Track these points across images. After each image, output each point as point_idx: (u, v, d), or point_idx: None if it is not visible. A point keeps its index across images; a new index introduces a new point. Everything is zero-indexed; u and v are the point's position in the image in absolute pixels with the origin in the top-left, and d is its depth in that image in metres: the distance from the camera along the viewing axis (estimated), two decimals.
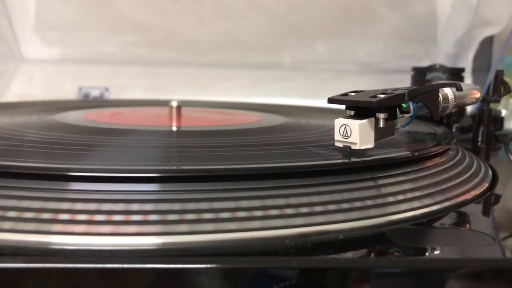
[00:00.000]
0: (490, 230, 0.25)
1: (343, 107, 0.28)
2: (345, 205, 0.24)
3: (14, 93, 0.70)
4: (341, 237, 0.22)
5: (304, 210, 0.23)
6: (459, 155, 0.34)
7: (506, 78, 0.46)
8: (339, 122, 0.27)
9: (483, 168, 0.33)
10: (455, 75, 0.53)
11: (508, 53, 0.58)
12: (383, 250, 0.22)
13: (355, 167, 0.26)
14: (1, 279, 0.19)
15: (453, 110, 0.33)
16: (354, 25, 0.72)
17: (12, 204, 0.22)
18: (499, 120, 0.50)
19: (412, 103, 0.29)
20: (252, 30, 0.71)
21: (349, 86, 0.32)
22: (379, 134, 0.28)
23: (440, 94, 0.31)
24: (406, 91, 0.28)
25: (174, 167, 0.26)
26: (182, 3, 0.70)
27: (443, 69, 0.53)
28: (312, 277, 0.20)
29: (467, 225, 0.25)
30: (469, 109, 0.53)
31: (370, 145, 0.27)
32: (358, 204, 0.24)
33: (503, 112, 0.52)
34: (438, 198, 0.27)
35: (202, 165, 0.26)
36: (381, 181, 0.26)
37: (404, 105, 0.29)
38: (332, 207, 0.23)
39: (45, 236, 0.20)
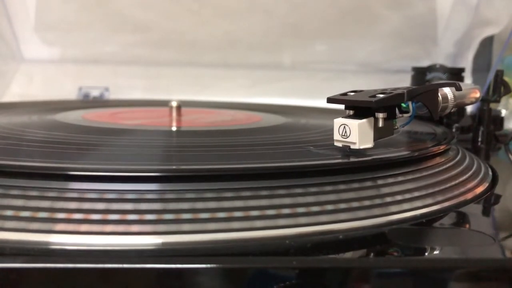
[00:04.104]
0: (490, 230, 0.25)
1: (342, 107, 0.28)
2: (344, 205, 0.24)
3: (14, 93, 0.70)
4: (341, 237, 0.22)
5: (304, 210, 0.23)
6: (459, 155, 0.34)
7: (506, 78, 0.46)
8: (338, 121, 0.27)
9: (483, 168, 0.33)
10: (455, 75, 0.53)
11: (508, 53, 0.58)
12: (383, 250, 0.22)
13: (354, 167, 0.26)
14: (1, 279, 0.19)
15: (452, 110, 0.33)
16: (354, 25, 0.72)
17: (12, 203, 0.22)
18: (499, 120, 0.50)
19: (412, 103, 0.29)
20: (252, 30, 0.71)
21: (349, 86, 0.31)
22: (378, 133, 0.28)
23: (439, 94, 0.31)
24: (405, 91, 0.28)
25: (174, 167, 0.26)
26: (182, 3, 0.70)
27: (443, 69, 0.53)
28: (312, 277, 0.20)
29: (467, 225, 0.25)
30: (469, 109, 0.53)
31: (369, 144, 0.27)
32: (357, 204, 0.24)
33: (503, 112, 0.52)
34: (438, 198, 0.27)
35: (202, 165, 0.26)
36: (380, 181, 0.26)
37: (403, 104, 0.29)
38: (331, 207, 0.23)
39: (45, 236, 0.20)
